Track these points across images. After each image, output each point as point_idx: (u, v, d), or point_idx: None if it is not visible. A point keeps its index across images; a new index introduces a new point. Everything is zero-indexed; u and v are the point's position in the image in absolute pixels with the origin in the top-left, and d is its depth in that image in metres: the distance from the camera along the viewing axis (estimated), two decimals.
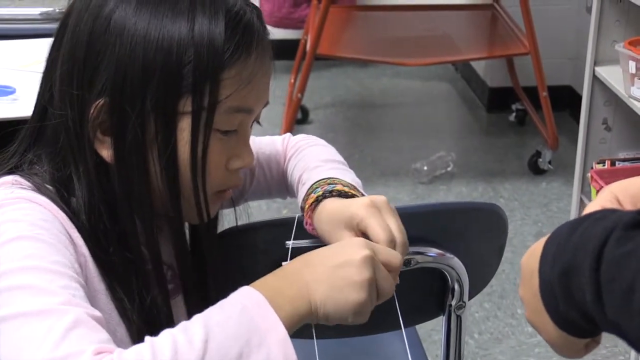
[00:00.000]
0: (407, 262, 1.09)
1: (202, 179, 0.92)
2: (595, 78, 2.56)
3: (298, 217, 1.07)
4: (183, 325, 0.79)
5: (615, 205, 0.78)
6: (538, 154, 3.25)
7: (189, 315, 0.85)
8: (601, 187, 2.41)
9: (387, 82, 4.16)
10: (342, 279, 0.85)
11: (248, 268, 1.11)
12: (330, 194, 0.99)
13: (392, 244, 0.92)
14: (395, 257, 0.90)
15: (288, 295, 0.83)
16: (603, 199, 0.79)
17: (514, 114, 3.67)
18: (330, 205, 0.98)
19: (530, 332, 2.39)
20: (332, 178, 1.04)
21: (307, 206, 1.00)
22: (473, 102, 3.95)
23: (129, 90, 0.88)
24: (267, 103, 0.99)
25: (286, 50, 3.89)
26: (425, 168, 3.22)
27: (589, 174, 2.65)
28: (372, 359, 1.49)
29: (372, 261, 0.86)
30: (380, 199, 0.95)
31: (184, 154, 0.91)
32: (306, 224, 1.00)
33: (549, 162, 3.24)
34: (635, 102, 2.30)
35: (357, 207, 0.94)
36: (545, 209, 3.04)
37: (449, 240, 1.13)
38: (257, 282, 0.85)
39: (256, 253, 1.09)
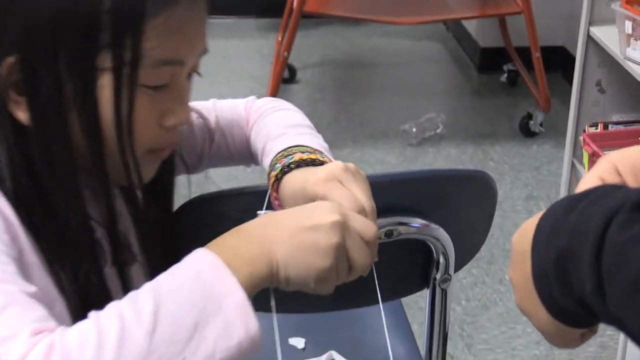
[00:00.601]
0: (389, 234, 1.02)
1: (128, 139, 0.83)
2: (589, 38, 2.47)
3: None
4: (132, 296, 0.72)
5: (614, 177, 0.71)
6: (529, 116, 3.17)
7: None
8: (593, 151, 2.34)
9: (376, 41, 4.06)
10: (306, 241, 0.79)
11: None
12: (288, 167, 0.92)
13: (361, 213, 0.84)
14: (369, 227, 0.83)
15: (247, 256, 0.77)
16: (601, 169, 0.72)
17: (505, 75, 3.58)
18: (291, 182, 0.91)
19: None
20: (291, 148, 0.97)
21: (270, 186, 0.93)
22: (464, 62, 3.86)
23: (39, 45, 0.80)
24: (204, 52, 0.89)
25: (274, 7, 3.81)
26: (414, 130, 3.14)
27: (581, 137, 2.58)
28: (355, 331, 1.42)
29: (342, 227, 0.80)
30: (338, 167, 0.87)
31: (107, 114, 0.82)
32: (273, 198, 0.93)
33: (540, 125, 3.16)
34: (631, 64, 2.22)
35: (314, 183, 0.86)
36: (536, 172, 2.97)
37: (435, 210, 1.06)
38: (214, 242, 0.79)
39: (228, 221, 1.02)
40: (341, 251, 0.80)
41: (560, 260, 0.59)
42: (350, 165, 0.88)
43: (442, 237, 1.06)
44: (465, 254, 1.14)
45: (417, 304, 2.19)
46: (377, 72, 3.84)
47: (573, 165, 2.63)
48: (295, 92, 3.51)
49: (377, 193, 0.90)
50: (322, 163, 0.92)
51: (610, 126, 2.52)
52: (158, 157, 0.90)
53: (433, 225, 1.05)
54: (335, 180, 0.86)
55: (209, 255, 0.75)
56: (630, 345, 1.76)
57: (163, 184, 0.97)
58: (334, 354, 1.39)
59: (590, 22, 2.45)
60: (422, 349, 1.73)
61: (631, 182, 0.71)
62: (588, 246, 0.56)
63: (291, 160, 0.92)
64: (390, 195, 1.01)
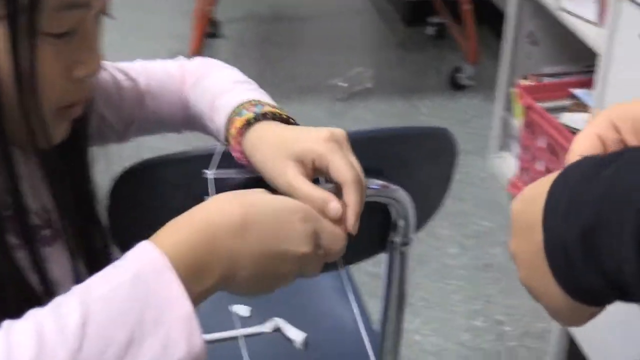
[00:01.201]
0: None
1: (31, 96, 0.72)
2: None
3: (218, 147, 0.92)
4: (56, 302, 0.61)
5: (613, 133, 0.65)
6: (458, 69, 3.13)
7: (74, 268, 0.72)
8: (529, 104, 2.31)
9: None
10: (270, 270, 0.71)
11: (161, 207, 0.95)
12: (263, 116, 0.83)
13: (359, 184, 0.79)
14: (339, 241, 0.76)
15: (202, 260, 0.66)
16: (598, 126, 0.66)
17: (432, 28, 3.53)
18: (268, 131, 0.83)
19: (453, 254, 2.30)
20: (255, 100, 0.89)
21: (234, 130, 0.84)
22: (390, 14, 3.79)
23: None
24: None
25: None
26: (344, 84, 3.06)
27: (512, 90, 2.54)
28: (300, 298, 1.36)
29: (310, 256, 0.73)
30: (339, 132, 0.80)
31: (4, 68, 0.70)
32: (234, 151, 0.84)
33: (469, 78, 3.12)
34: (566, 15, 2.18)
35: (315, 140, 0.78)
36: (466, 126, 2.93)
37: (394, 170, 0.99)
38: (165, 234, 0.68)
39: (173, 188, 0.93)
40: (304, 264, 0.74)
41: (587, 236, 0.51)
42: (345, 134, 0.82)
43: (402, 199, 1.00)
44: (424, 215, 1.08)
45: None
46: (301, 26, 3.74)
47: (504, 119, 2.60)
48: (219, 48, 3.39)
49: None
50: (295, 124, 0.84)
51: (542, 79, 2.49)
52: (69, 114, 0.78)
53: (393, 187, 0.98)
54: (337, 142, 0.79)
55: (153, 252, 0.64)
56: None
57: (78, 146, 0.85)
58: (278, 320, 1.32)
59: None
60: (376, 314, 1.66)
61: (631, 140, 0.65)
62: (629, 221, 0.49)
63: (264, 110, 0.84)
64: None
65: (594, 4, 2.10)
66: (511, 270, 2.23)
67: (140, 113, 1.00)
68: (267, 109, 0.85)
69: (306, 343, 1.29)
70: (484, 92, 3.10)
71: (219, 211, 0.69)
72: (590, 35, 2.06)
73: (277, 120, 0.84)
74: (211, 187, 0.84)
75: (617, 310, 1.57)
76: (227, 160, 0.91)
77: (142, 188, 0.93)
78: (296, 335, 1.30)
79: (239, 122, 0.84)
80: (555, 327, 1.83)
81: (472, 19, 3.05)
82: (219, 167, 0.88)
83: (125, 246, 0.94)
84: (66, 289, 0.63)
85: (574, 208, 0.53)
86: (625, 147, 0.66)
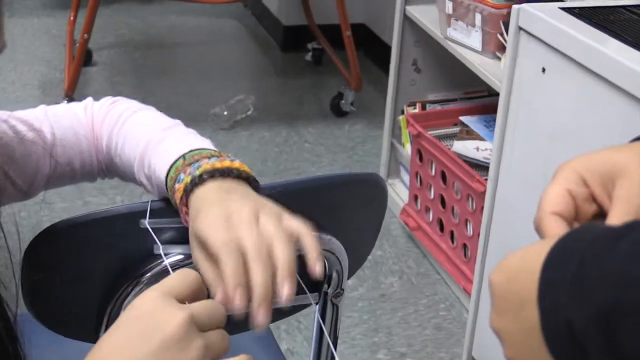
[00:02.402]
0: None
1: None
2: (405, 18, 2.44)
3: (152, 201, 0.86)
4: None
5: (582, 188, 0.63)
6: (340, 96, 3.13)
7: None
8: (418, 132, 2.32)
9: (174, 20, 3.87)
10: None
11: (84, 269, 0.87)
12: (199, 179, 0.78)
13: (234, 252, 0.69)
14: (216, 310, 0.65)
15: None
16: (566, 180, 0.63)
17: (310, 54, 3.53)
18: (204, 200, 0.77)
19: (351, 285, 2.28)
20: (190, 154, 0.83)
21: (177, 200, 0.79)
22: (266, 41, 3.76)
23: None
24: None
25: None
26: (225, 113, 3.00)
27: (399, 117, 2.56)
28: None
29: (193, 328, 0.61)
30: (237, 212, 0.73)
31: None
32: (184, 217, 0.78)
33: (352, 104, 3.13)
34: (452, 44, 2.21)
35: (203, 226, 0.73)
36: (352, 153, 2.93)
37: (325, 219, 0.95)
38: None
39: (98, 248, 0.86)
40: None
41: (606, 318, 0.47)
42: (265, 206, 0.75)
43: (336, 249, 0.95)
44: (355, 264, 1.04)
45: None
46: (177, 53, 3.66)
47: (392, 145, 2.61)
48: (93, 76, 3.27)
49: None
50: (238, 172, 0.78)
51: (427, 105, 2.51)
52: None
53: (326, 237, 0.94)
54: (222, 219, 0.72)
55: None
56: (481, 324, 1.75)
57: None
58: None
59: (407, 1, 2.42)
60: None
61: (601, 194, 0.63)
62: None
63: (200, 170, 0.78)
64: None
65: (477, 34, 2.14)
66: (407, 299, 2.24)
67: (49, 166, 0.91)
68: (203, 165, 0.79)
69: None
70: (367, 118, 3.11)
71: None
72: (475, 63, 2.09)
73: (215, 176, 0.78)
74: (150, 236, 0.78)
75: None
76: (161, 210, 0.85)
77: (60, 250, 0.85)
78: None
79: (178, 192, 0.79)
80: (462, 356, 1.83)
81: (353, 46, 3.06)
82: (152, 216, 0.82)
83: (39, 312, 0.87)
84: None
85: (586, 286, 0.49)
86: (597, 202, 0.64)
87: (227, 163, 0.80)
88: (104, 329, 0.88)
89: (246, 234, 0.70)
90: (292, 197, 0.94)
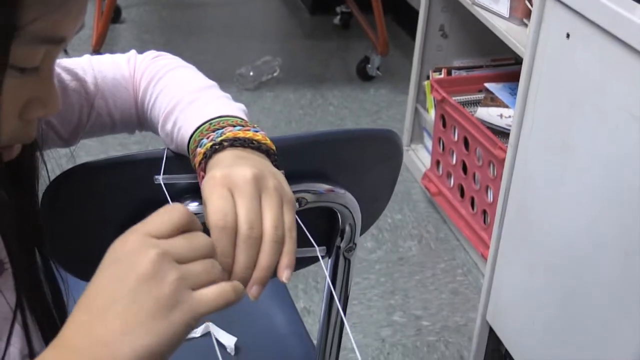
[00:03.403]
0: (297, 203, 0.92)
1: None
2: None
3: (167, 152, 0.87)
4: None
5: None
6: (366, 60, 3.13)
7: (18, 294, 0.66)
8: (443, 98, 2.32)
9: None
10: (146, 308, 0.58)
11: (104, 213, 0.89)
12: (220, 145, 0.78)
13: (223, 231, 0.68)
14: (198, 241, 0.64)
15: None
16: None
17: (338, 17, 3.52)
18: (222, 162, 0.77)
19: (369, 248, 2.30)
20: (216, 119, 0.83)
21: (196, 164, 0.79)
22: (295, 3, 3.76)
23: None
24: (82, 27, 0.71)
25: None
26: (251, 73, 3.02)
27: (424, 82, 2.56)
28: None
29: (167, 262, 0.60)
30: (244, 175, 0.71)
31: None
32: (200, 180, 0.79)
33: (378, 69, 3.12)
34: (479, 9, 2.20)
35: (204, 183, 0.72)
36: (376, 117, 2.93)
37: (340, 174, 0.96)
38: None
39: (118, 192, 0.88)
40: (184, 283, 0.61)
41: None
42: (268, 178, 0.73)
43: (349, 203, 0.97)
44: (369, 219, 1.05)
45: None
46: (205, 12, 3.66)
47: (416, 111, 2.62)
48: (121, 33, 3.29)
49: (278, 156, 0.81)
50: (258, 144, 0.79)
51: (453, 71, 2.51)
52: (6, 156, 0.70)
53: (340, 191, 0.96)
54: (225, 188, 0.70)
55: None
56: (496, 290, 1.76)
57: (22, 169, 0.77)
58: (210, 325, 1.28)
59: None
60: (310, 321, 1.65)
61: None
62: None
63: (222, 137, 0.79)
64: (292, 159, 0.90)
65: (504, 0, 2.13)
66: (425, 264, 2.25)
67: (90, 116, 0.93)
68: (226, 133, 0.80)
69: (237, 347, 1.26)
70: (393, 83, 3.11)
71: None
72: (502, 29, 2.08)
73: (235, 145, 0.79)
74: (163, 192, 0.79)
75: (538, 304, 1.58)
76: (175, 164, 0.87)
77: (80, 193, 0.87)
78: (227, 339, 1.26)
79: (199, 155, 0.79)
80: (476, 320, 1.85)
81: (381, 10, 3.05)
82: (168, 171, 0.84)
83: (60, 257, 0.89)
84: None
85: None
86: None
87: (249, 134, 0.80)
88: None
89: (242, 211, 0.69)
90: (307, 150, 0.95)
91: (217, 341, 1.26)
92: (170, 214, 0.64)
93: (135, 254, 0.60)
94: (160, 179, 0.82)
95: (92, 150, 2.49)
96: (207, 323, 1.27)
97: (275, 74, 3.09)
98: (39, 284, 0.79)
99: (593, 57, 1.39)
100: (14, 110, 0.66)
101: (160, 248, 0.60)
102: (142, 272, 0.59)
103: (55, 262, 0.83)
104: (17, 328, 0.75)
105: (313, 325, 1.80)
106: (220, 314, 1.35)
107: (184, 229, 0.64)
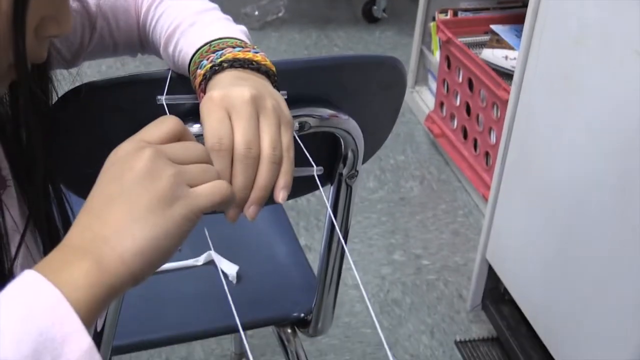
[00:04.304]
0: (300, 126, 0.93)
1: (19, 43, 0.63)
2: None
3: (170, 73, 0.88)
4: None
5: None
6: (372, 2, 3.11)
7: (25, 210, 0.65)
8: (448, 38, 2.31)
9: None
10: (143, 203, 0.59)
11: (106, 134, 0.90)
12: (219, 66, 0.78)
13: (223, 154, 0.68)
14: (192, 147, 0.65)
15: (86, 274, 0.57)
16: None
17: None
18: (222, 83, 0.77)
19: (371, 188, 2.31)
20: (216, 41, 0.83)
21: (196, 84, 0.80)
22: None
23: None
24: None
25: None
26: (256, 13, 3.00)
27: (430, 24, 2.55)
28: (234, 231, 1.34)
29: (162, 159, 0.62)
30: (243, 95, 0.71)
31: None
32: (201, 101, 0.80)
33: (384, 11, 3.11)
34: None
35: (201, 104, 0.72)
36: None
37: (343, 99, 0.97)
38: (42, 264, 0.58)
39: (118, 114, 0.89)
40: (183, 182, 0.62)
41: None
42: (266, 98, 0.73)
43: (352, 130, 0.98)
44: (372, 147, 1.06)
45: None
46: None
47: (422, 52, 2.61)
48: None
49: (280, 81, 0.80)
50: (257, 65, 0.79)
51: (459, 13, 2.50)
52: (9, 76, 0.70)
53: (343, 116, 0.96)
54: (223, 109, 0.70)
55: (45, 286, 0.55)
56: (496, 229, 1.78)
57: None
58: (212, 254, 1.30)
59: None
60: (311, 258, 1.65)
61: None
62: None
63: (222, 58, 0.79)
64: (295, 83, 0.91)
65: None
66: (426, 204, 2.27)
67: (92, 37, 0.93)
68: (226, 54, 0.80)
69: (239, 276, 1.28)
70: (398, 25, 3.09)
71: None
72: None
73: (235, 66, 0.78)
74: (165, 112, 0.80)
75: (537, 244, 1.60)
76: (177, 84, 0.87)
77: (84, 112, 0.88)
78: (229, 268, 1.28)
79: (199, 77, 0.79)
80: (475, 260, 1.87)
81: None
82: (171, 92, 0.84)
83: (63, 176, 0.90)
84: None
85: None
86: None
87: (249, 55, 0.80)
88: None
89: (239, 132, 0.69)
90: (311, 74, 0.96)
91: (219, 269, 1.28)
92: (163, 122, 0.65)
93: (131, 155, 0.61)
94: (162, 99, 0.82)
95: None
96: (210, 252, 1.29)
97: (280, 14, 3.07)
98: (43, 202, 0.80)
99: None
100: (31, 25, 0.66)
101: (154, 147, 0.62)
102: (138, 169, 0.60)
103: (61, 181, 0.84)
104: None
105: (314, 262, 1.81)
106: (223, 243, 1.38)
107: (177, 138, 0.65)
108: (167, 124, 0.65)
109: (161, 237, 0.59)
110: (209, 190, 0.63)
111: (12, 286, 0.55)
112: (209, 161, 0.66)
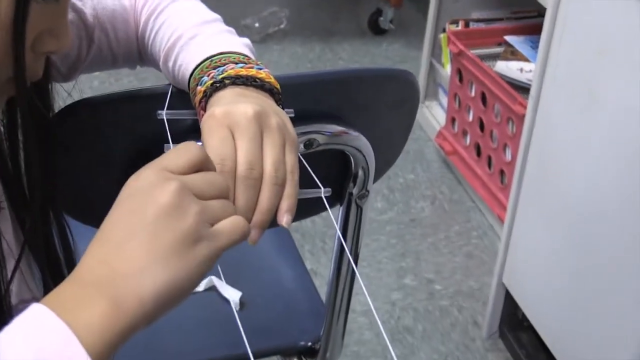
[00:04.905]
0: (308, 144, 0.93)
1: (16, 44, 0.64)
2: None
3: (171, 88, 0.88)
4: None
5: None
6: (379, 12, 3.12)
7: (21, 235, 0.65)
8: (460, 51, 2.31)
9: None
10: (167, 241, 0.58)
11: (106, 151, 0.90)
12: (221, 83, 0.78)
13: (224, 174, 0.68)
14: (215, 179, 0.65)
15: (101, 316, 0.56)
16: None
17: None
18: (223, 100, 0.77)
19: (380, 209, 2.30)
20: (218, 56, 0.82)
21: (197, 102, 0.79)
22: None
23: None
24: None
25: None
26: (257, 25, 3.01)
27: (440, 36, 2.55)
28: (237, 255, 1.33)
29: (188, 195, 0.61)
30: (246, 113, 0.71)
31: None
32: (201, 119, 0.79)
33: (391, 22, 3.11)
34: None
35: (203, 121, 0.72)
36: None
37: (353, 116, 0.96)
38: (52, 298, 0.57)
39: (118, 130, 0.88)
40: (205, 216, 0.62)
41: None
42: (270, 116, 0.72)
43: (363, 147, 0.97)
44: (383, 165, 1.06)
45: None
46: None
47: (432, 65, 2.61)
48: None
49: (286, 96, 0.80)
50: (261, 82, 0.79)
51: (471, 24, 2.50)
52: (8, 92, 0.70)
53: (353, 133, 0.96)
54: (225, 127, 0.70)
55: (56, 325, 0.54)
56: (513, 251, 1.77)
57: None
58: (214, 279, 1.29)
59: None
60: (317, 283, 1.65)
61: None
62: None
63: (223, 75, 0.78)
64: (302, 99, 0.91)
65: None
66: (438, 226, 2.26)
67: (89, 50, 0.93)
68: (227, 71, 0.79)
69: (242, 302, 1.27)
70: (406, 37, 3.10)
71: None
72: None
73: (237, 84, 0.78)
74: (165, 128, 0.79)
75: (557, 267, 1.59)
76: (178, 100, 0.87)
77: (82, 130, 0.88)
78: (231, 294, 1.27)
79: (199, 94, 0.79)
80: (491, 284, 1.86)
81: None
82: (171, 107, 0.84)
83: (61, 198, 0.90)
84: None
85: None
86: None
87: (252, 71, 0.80)
88: None
89: (242, 152, 0.69)
90: (319, 89, 0.96)
91: (221, 296, 1.27)
92: (186, 150, 0.64)
93: (154, 187, 0.60)
94: (163, 114, 0.82)
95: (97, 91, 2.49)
96: (211, 277, 1.29)
97: (282, 26, 3.08)
98: (42, 227, 0.79)
99: (622, 1, 1.39)
100: (29, 40, 0.66)
101: (180, 180, 0.61)
102: (162, 204, 0.59)
103: (57, 204, 0.83)
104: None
105: (320, 288, 1.81)
106: (224, 267, 1.37)
107: (199, 167, 0.64)
108: (190, 152, 0.64)
109: (182, 279, 0.58)
110: (230, 229, 0.62)
111: (22, 321, 0.54)
112: (228, 193, 0.66)
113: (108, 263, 0.58)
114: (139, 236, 0.59)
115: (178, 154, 0.64)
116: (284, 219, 0.71)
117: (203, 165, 0.65)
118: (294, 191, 0.71)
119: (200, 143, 0.85)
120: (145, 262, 0.58)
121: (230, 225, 0.62)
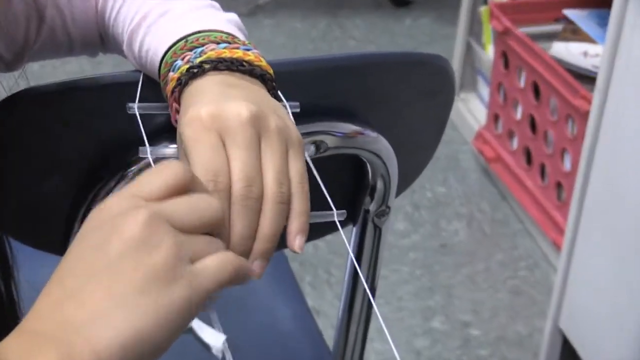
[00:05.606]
0: (315, 147, 0.95)
1: None
2: None
3: (141, 76, 0.90)
4: None
5: None
6: None
7: None
8: (506, 29, 2.34)
9: None
10: (132, 281, 0.60)
11: (51, 158, 0.92)
12: (199, 68, 0.79)
13: (215, 195, 0.69)
14: (198, 204, 0.66)
15: None
16: None
17: None
18: (204, 88, 0.79)
19: (401, 232, 2.33)
20: (194, 35, 0.84)
21: (169, 92, 0.81)
22: None
23: None
24: None
25: None
26: None
27: (481, 8, 2.57)
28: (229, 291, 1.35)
29: (161, 225, 0.62)
30: (235, 114, 0.72)
31: None
32: (173, 114, 0.81)
33: None
34: None
35: (184, 123, 0.74)
36: None
37: (371, 112, 0.99)
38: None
39: (69, 131, 0.91)
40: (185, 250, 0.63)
41: None
42: (269, 117, 0.74)
43: (383, 151, 0.99)
44: (407, 175, 1.08)
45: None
46: None
47: (469, 46, 2.64)
48: None
49: (285, 87, 0.82)
50: (250, 67, 0.80)
51: None
52: None
53: (371, 134, 0.98)
54: (214, 133, 0.72)
55: None
56: (572, 288, 1.79)
57: None
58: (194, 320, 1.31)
59: None
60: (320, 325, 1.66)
61: None
62: None
63: (202, 58, 0.80)
64: (306, 91, 0.93)
65: None
66: (476, 253, 2.28)
67: (40, 32, 0.95)
68: (207, 52, 0.81)
69: (227, 348, 1.29)
70: (436, 10, 3.13)
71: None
72: None
73: (219, 68, 0.80)
74: (139, 125, 0.82)
75: (629, 307, 1.60)
76: (150, 90, 0.89)
77: (24, 127, 0.90)
78: (213, 338, 1.29)
79: (171, 82, 0.81)
80: (544, 329, 1.88)
81: None
82: (142, 99, 0.86)
83: (4, 218, 0.92)
84: None
85: None
86: None
87: (239, 53, 0.81)
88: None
89: (237, 165, 0.71)
90: (327, 79, 0.98)
91: (200, 340, 1.29)
92: (162, 172, 0.66)
93: (120, 217, 0.62)
94: (134, 107, 0.84)
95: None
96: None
97: None
98: None
99: None
100: None
101: (150, 208, 0.62)
102: (127, 237, 0.61)
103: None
104: None
105: (325, 331, 1.83)
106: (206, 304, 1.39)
107: (181, 190, 0.66)
108: (166, 174, 0.65)
109: (151, 327, 0.59)
110: (216, 266, 0.63)
111: None
112: (219, 224, 0.67)
113: (62, 309, 0.60)
114: (98, 277, 0.60)
115: (155, 175, 0.66)
116: (296, 242, 0.72)
117: (186, 187, 0.66)
118: (304, 207, 0.73)
119: (174, 146, 0.87)
120: (103, 308, 0.59)
121: (217, 261, 0.64)
